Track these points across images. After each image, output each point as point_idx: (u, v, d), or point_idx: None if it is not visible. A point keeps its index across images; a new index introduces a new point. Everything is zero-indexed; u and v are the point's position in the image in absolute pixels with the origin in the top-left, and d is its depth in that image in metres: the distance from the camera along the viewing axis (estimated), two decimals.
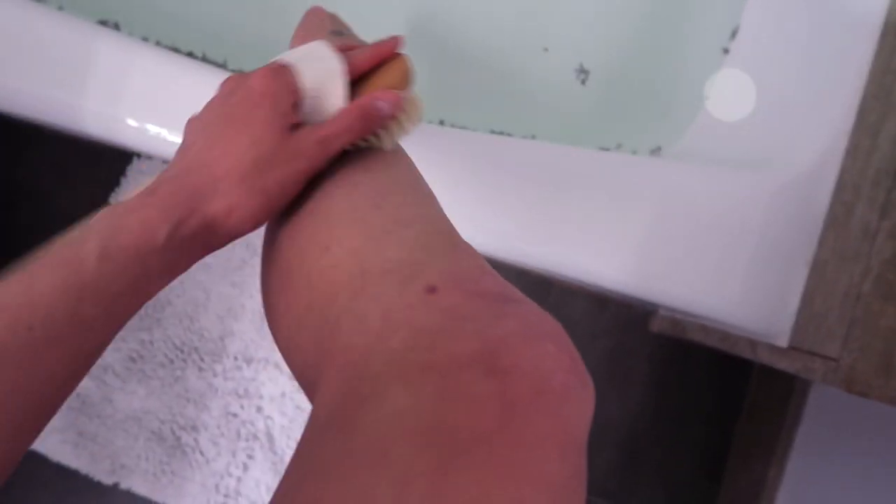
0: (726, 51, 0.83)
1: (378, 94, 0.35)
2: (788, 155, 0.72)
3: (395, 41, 0.38)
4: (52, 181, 1.03)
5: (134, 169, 1.02)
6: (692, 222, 0.70)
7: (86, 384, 1.01)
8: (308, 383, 0.28)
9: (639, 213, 0.71)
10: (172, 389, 1.02)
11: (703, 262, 0.70)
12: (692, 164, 0.72)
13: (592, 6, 0.85)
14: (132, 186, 0.31)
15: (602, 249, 0.70)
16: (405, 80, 0.37)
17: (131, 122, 0.69)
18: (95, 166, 1.02)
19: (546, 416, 0.19)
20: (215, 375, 1.02)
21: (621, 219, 0.70)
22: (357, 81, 0.37)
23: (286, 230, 0.34)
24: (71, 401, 1.01)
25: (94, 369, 1.01)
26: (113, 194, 1.02)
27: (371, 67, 0.38)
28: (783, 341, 0.70)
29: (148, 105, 0.69)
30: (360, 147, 0.35)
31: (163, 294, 1.02)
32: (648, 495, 1.06)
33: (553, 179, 0.71)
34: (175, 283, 1.02)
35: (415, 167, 0.37)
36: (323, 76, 0.36)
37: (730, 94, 0.79)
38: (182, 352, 1.02)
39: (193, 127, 0.35)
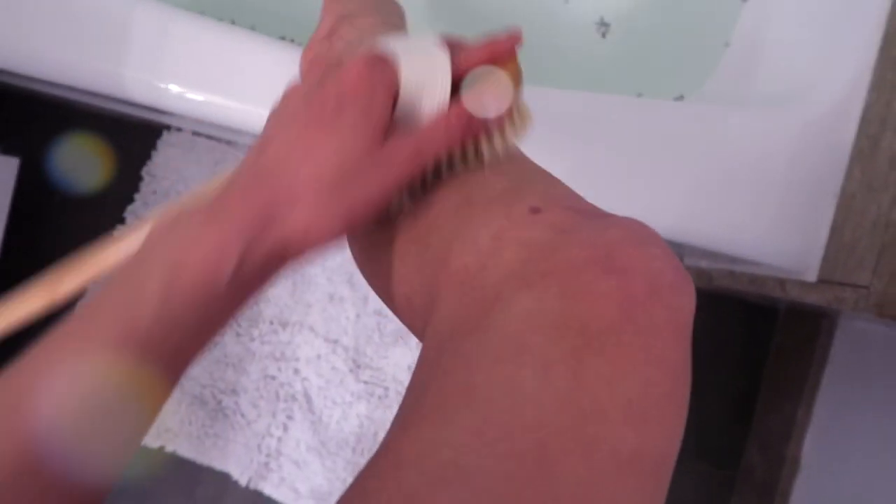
0: None
1: (484, 99, 0.30)
2: (812, 92, 0.73)
3: (512, 39, 0.32)
4: (88, 160, 1.05)
5: (164, 142, 1.04)
6: (720, 163, 0.71)
7: None
8: (414, 311, 0.29)
9: (666, 156, 0.72)
10: (212, 355, 1.05)
11: (733, 201, 0.72)
12: (716, 107, 0.73)
13: None
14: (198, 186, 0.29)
15: (631, 193, 0.72)
16: (515, 85, 0.32)
17: (172, 87, 0.71)
18: (128, 142, 1.05)
19: (662, 308, 0.21)
20: (252, 340, 1.05)
21: (649, 163, 0.71)
22: (460, 81, 0.32)
23: None
24: None
25: None
26: (145, 167, 1.05)
27: (478, 64, 0.32)
28: (812, 276, 0.72)
29: (187, 70, 0.71)
30: (454, 164, 0.30)
31: None
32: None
33: (578, 127, 0.72)
34: None
35: None
36: (425, 73, 0.31)
37: (750, 36, 0.80)
38: None
39: (273, 122, 0.31)
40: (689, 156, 0.72)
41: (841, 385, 0.93)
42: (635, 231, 0.23)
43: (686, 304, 0.22)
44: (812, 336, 0.96)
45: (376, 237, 0.32)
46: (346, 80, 0.29)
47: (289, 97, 0.31)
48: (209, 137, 1.05)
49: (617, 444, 0.19)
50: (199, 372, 1.05)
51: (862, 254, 0.64)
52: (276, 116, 0.31)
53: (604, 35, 0.86)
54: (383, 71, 0.29)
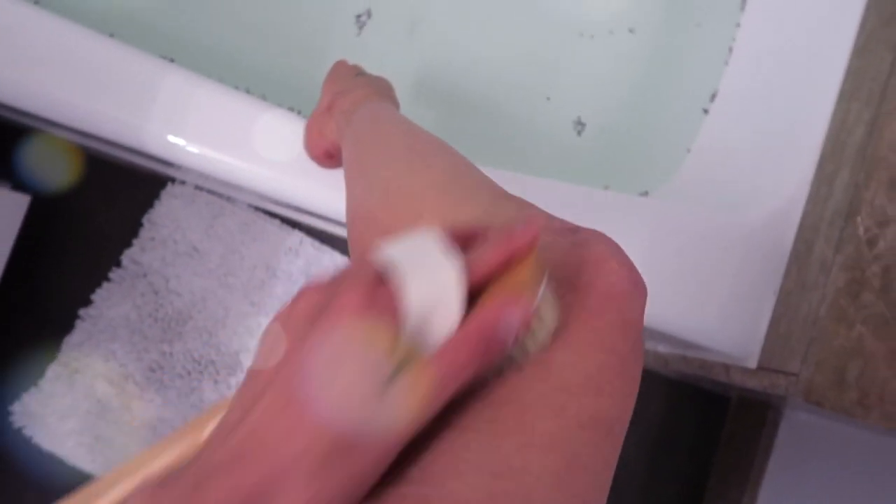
0: (706, 111, 0.94)
1: (503, 310, 0.25)
2: (760, 200, 0.82)
3: (529, 234, 0.27)
4: (92, 200, 1.12)
5: (167, 192, 1.11)
6: (678, 255, 0.79)
7: (106, 391, 1.08)
8: None
9: (629, 246, 0.80)
10: (188, 400, 1.09)
11: (688, 291, 0.79)
12: (677, 203, 0.82)
13: (592, 68, 0.97)
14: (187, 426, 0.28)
15: None
16: (535, 281, 0.27)
17: (184, 143, 0.78)
18: (133, 189, 1.12)
19: (612, 313, 0.28)
20: (229, 388, 1.09)
21: None
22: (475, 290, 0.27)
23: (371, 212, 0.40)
24: (91, 405, 1.07)
25: (116, 377, 1.08)
26: (146, 215, 1.11)
27: (496, 270, 0.27)
28: (753, 363, 0.79)
29: (202, 129, 0.78)
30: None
31: (185, 309, 1.10)
32: None
33: (549, 211, 0.80)
34: (198, 299, 1.10)
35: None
36: (434, 291, 0.26)
37: (710, 145, 0.90)
38: (199, 364, 1.09)
39: (251, 375, 0.25)
40: (649, 247, 0.80)
41: (784, 474, 0.99)
42: (597, 250, 0.30)
43: (633, 308, 0.29)
44: (758, 425, 1.02)
45: None
46: (341, 319, 0.24)
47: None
48: (210, 192, 1.12)
49: (579, 408, 0.26)
50: (173, 415, 1.09)
51: (794, 345, 0.72)
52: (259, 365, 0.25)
53: (579, 133, 0.96)
54: (383, 303, 0.25)
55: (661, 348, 1.02)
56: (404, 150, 0.45)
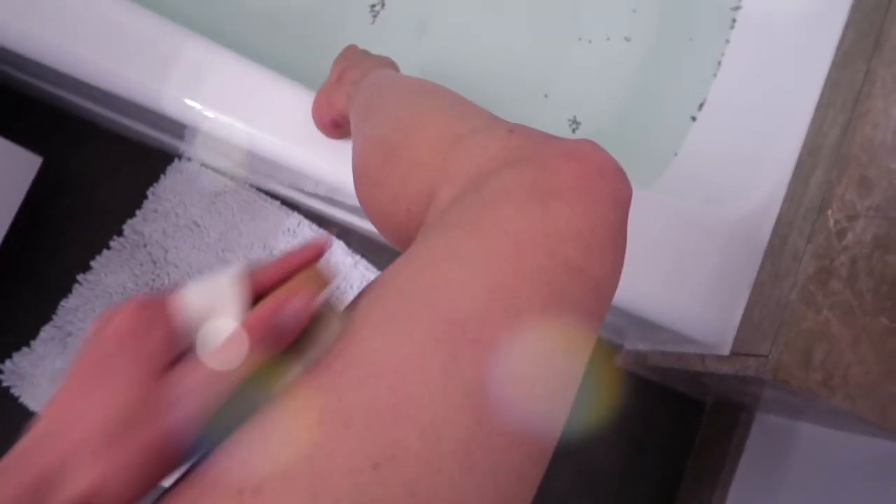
0: (694, 118, 0.99)
1: (277, 300, 0.29)
2: (739, 199, 0.87)
3: (314, 249, 0.32)
4: (99, 173, 1.15)
5: (173, 168, 1.15)
6: (659, 246, 0.83)
7: None
8: (412, 218, 0.37)
9: None
10: None
11: (668, 280, 0.83)
12: (661, 196, 0.87)
13: (589, 71, 1.02)
14: None
15: None
16: (314, 283, 0.31)
17: (200, 106, 0.82)
18: (140, 163, 1.15)
19: (606, 184, 0.31)
20: None
21: None
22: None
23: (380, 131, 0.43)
24: None
25: None
26: (151, 188, 1.14)
27: (281, 280, 0.31)
28: (726, 350, 0.82)
29: (217, 94, 0.83)
30: (269, 382, 0.29)
31: (181, 281, 1.13)
32: None
33: None
34: (195, 272, 1.13)
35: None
36: (214, 295, 0.30)
37: (696, 149, 0.95)
38: None
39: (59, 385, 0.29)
40: (631, 236, 0.84)
41: (754, 474, 1.01)
42: (590, 143, 0.34)
43: (623, 188, 0.32)
44: (731, 427, 1.05)
45: (387, 172, 0.39)
46: (117, 324, 0.28)
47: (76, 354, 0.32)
48: (215, 171, 1.16)
49: (568, 256, 0.28)
50: None
51: (765, 329, 0.75)
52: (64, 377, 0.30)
53: (574, 130, 1.00)
54: (153, 307, 0.29)
55: (641, 346, 1.06)
56: (411, 91, 0.49)
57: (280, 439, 0.24)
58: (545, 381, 0.27)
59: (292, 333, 0.29)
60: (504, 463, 0.24)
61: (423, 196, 0.36)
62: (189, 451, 0.28)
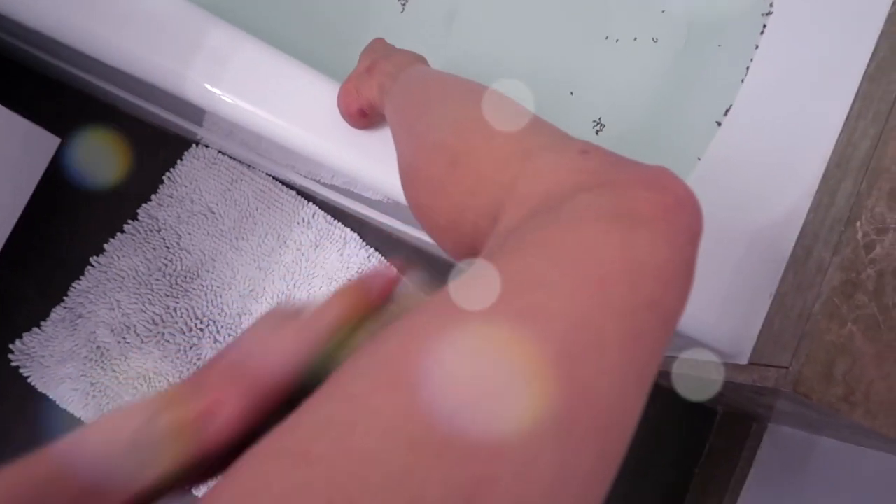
0: (719, 123, 0.98)
1: (369, 272, 0.35)
2: (763, 208, 0.86)
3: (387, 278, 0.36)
4: (118, 153, 1.15)
5: (191, 154, 1.14)
6: None
7: (107, 339, 1.09)
8: (478, 231, 0.36)
9: None
10: (186, 356, 1.10)
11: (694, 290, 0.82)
12: None
13: (614, 71, 1.01)
14: None
15: None
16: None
17: (222, 94, 0.82)
18: (159, 148, 1.15)
19: (686, 216, 0.30)
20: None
21: None
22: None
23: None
24: (90, 352, 1.09)
25: (117, 326, 1.10)
26: (167, 173, 1.14)
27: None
28: (743, 360, 0.81)
29: (241, 82, 0.82)
30: (351, 342, 0.33)
31: (194, 267, 1.12)
32: None
33: None
34: (207, 258, 1.12)
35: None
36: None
37: (720, 155, 0.94)
38: (202, 322, 1.11)
39: None
40: None
41: (764, 485, 1.00)
42: (668, 171, 0.32)
43: (698, 221, 0.31)
44: (742, 437, 1.04)
45: (450, 185, 0.38)
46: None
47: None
48: (232, 158, 1.15)
49: (649, 290, 0.27)
50: (169, 369, 1.10)
51: (786, 341, 0.74)
52: None
53: (598, 132, 0.99)
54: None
55: None
56: (468, 92, 0.47)
57: (366, 461, 0.22)
58: (621, 423, 0.26)
59: (378, 298, 0.34)
60: (581, 501, 0.24)
61: (489, 210, 0.35)
62: (290, 401, 0.31)
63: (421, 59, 0.73)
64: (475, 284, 0.27)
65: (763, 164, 0.91)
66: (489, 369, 0.23)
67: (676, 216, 0.30)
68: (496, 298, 0.26)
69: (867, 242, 0.71)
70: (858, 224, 0.72)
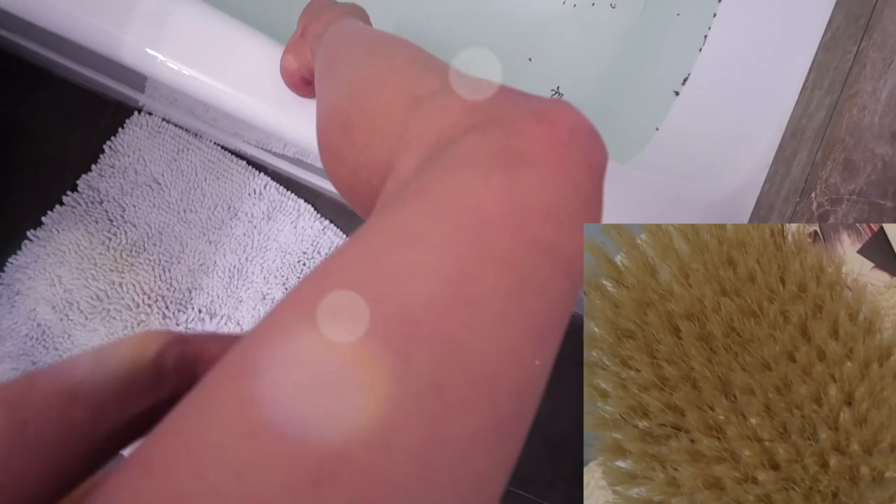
0: (677, 93, 0.97)
1: None
2: (718, 177, 0.85)
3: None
4: (53, 123, 1.08)
5: (132, 122, 1.09)
6: (641, 221, 0.82)
7: (49, 316, 1.05)
8: (373, 189, 0.34)
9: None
10: (134, 332, 1.06)
11: None
12: (644, 172, 0.85)
13: (572, 37, 0.99)
14: None
15: None
16: None
17: (161, 57, 0.77)
18: (97, 115, 1.09)
19: (579, 150, 0.28)
20: (178, 325, 1.07)
21: None
22: None
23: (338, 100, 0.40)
24: (30, 330, 1.04)
25: (60, 303, 1.05)
26: (108, 141, 1.08)
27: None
28: None
29: (180, 45, 0.77)
30: None
31: (140, 241, 1.08)
32: (567, 490, 1.14)
33: None
34: (154, 232, 1.08)
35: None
36: None
37: (677, 125, 0.93)
38: (149, 297, 1.07)
39: None
40: (616, 215, 0.82)
41: None
42: (563, 103, 0.30)
43: (598, 152, 0.29)
44: None
45: (346, 142, 0.36)
46: None
47: None
48: (178, 126, 1.10)
49: (537, 233, 0.25)
50: None
51: None
52: None
53: None
54: None
55: None
56: (367, 50, 0.45)
57: (204, 457, 0.21)
58: (509, 378, 0.24)
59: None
60: (465, 471, 0.22)
61: (381, 165, 0.33)
62: None
63: (355, 13, 0.70)
64: (344, 249, 0.25)
65: (720, 134, 0.91)
66: (340, 340, 0.21)
67: (570, 151, 0.28)
68: (363, 261, 0.24)
69: (822, 213, 0.72)
70: (813, 195, 0.72)
